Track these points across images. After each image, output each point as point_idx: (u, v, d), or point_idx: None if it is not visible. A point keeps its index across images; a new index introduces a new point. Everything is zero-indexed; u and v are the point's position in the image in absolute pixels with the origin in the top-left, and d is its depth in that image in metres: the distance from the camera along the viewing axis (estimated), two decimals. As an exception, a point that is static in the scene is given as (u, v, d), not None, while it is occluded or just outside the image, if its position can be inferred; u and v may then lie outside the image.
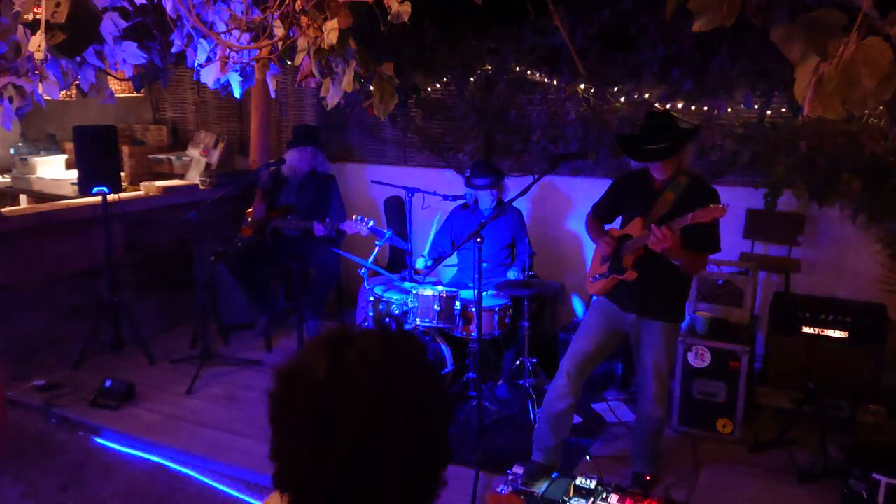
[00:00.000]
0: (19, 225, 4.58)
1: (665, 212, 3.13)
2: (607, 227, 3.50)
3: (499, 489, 3.21)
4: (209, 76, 3.20)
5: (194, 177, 6.19)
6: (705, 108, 4.61)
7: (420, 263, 4.64)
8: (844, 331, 4.00)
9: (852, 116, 3.88)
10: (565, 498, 3.07)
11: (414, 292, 4.11)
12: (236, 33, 2.91)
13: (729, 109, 4.61)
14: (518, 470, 3.28)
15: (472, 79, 5.39)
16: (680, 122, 3.45)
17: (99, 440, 3.99)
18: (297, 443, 0.96)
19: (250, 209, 5.34)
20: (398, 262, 5.49)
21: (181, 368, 4.77)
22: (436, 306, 4.03)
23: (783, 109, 4.52)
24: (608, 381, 4.57)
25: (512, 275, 4.47)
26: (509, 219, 4.68)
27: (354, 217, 4.64)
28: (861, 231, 4.50)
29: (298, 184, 5.21)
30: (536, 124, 5.23)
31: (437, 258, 4.51)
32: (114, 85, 5.30)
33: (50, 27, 2.60)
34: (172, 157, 6.66)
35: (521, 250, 4.66)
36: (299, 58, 2.89)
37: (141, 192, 5.49)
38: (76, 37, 2.69)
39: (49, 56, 2.74)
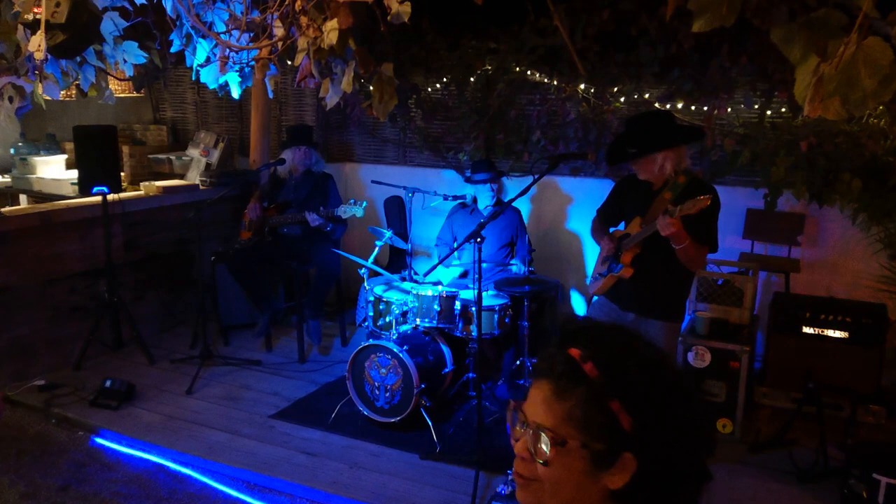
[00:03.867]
0: (19, 225, 4.57)
1: (662, 211, 3.13)
2: (612, 230, 3.51)
3: (499, 489, 3.21)
4: (209, 76, 3.21)
5: (194, 177, 6.19)
6: (705, 108, 4.61)
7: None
8: (844, 331, 4.00)
9: (852, 116, 3.88)
10: (565, 498, 3.07)
11: (414, 292, 4.11)
12: (236, 33, 2.91)
13: (729, 109, 4.61)
14: (518, 470, 3.28)
15: (472, 79, 5.39)
16: (678, 122, 3.45)
17: (99, 440, 3.99)
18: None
19: (246, 211, 5.33)
20: (398, 262, 5.48)
21: (181, 368, 4.77)
22: (436, 306, 4.03)
23: (783, 109, 4.53)
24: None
25: (515, 268, 4.47)
26: (509, 218, 4.68)
27: (349, 201, 4.65)
28: (861, 231, 4.50)
29: (295, 184, 5.20)
30: (536, 124, 5.23)
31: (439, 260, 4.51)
32: (114, 85, 5.29)
33: (50, 27, 2.60)
34: (172, 157, 6.66)
35: (521, 249, 4.66)
36: (299, 58, 2.89)
37: (141, 192, 5.49)
38: (76, 37, 2.69)
39: (49, 56, 2.74)
